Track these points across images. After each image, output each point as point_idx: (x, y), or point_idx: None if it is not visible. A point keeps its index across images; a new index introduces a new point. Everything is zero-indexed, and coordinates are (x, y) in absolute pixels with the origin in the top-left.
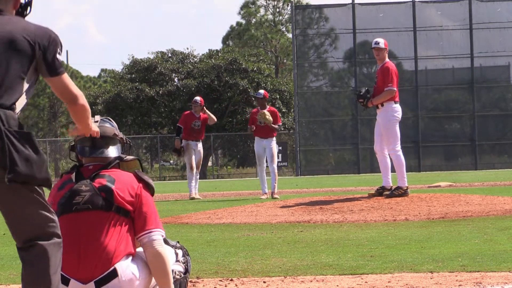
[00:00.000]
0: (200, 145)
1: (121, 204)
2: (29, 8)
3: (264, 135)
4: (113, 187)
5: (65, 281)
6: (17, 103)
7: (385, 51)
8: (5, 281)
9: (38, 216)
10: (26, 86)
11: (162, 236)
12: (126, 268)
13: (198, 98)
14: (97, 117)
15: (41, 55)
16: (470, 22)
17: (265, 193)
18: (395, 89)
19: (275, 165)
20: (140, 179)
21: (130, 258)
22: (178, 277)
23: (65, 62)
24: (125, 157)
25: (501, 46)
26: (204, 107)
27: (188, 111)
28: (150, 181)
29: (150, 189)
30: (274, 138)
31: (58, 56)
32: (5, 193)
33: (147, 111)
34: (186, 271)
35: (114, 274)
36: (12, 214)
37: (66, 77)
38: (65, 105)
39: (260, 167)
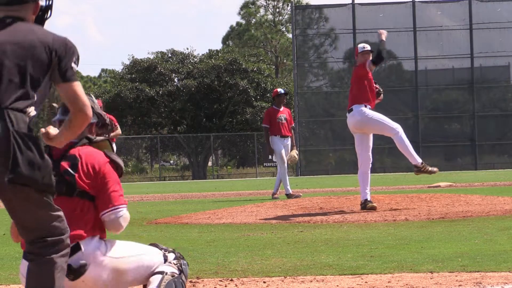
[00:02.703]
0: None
1: (83, 188)
2: (49, 11)
3: (285, 134)
4: (76, 173)
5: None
6: (29, 108)
7: None
8: (5, 281)
9: (43, 219)
10: (40, 94)
11: (123, 211)
12: (90, 243)
13: None
14: None
15: (56, 62)
16: (470, 22)
17: (290, 192)
18: None
19: (286, 165)
20: (108, 159)
21: (98, 237)
22: (170, 277)
23: None
24: (94, 138)
25: (501, 46)
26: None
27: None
28: (119, 161)
29: (118, 169)
30: None
31: (73, 64)
32: (11, 195)
33: (147, 111)
34: (181, 272)
35: (77, 248)
36: (17, 215)
37: (78, 85)
38: (71, 114)
39: (284, 166)
